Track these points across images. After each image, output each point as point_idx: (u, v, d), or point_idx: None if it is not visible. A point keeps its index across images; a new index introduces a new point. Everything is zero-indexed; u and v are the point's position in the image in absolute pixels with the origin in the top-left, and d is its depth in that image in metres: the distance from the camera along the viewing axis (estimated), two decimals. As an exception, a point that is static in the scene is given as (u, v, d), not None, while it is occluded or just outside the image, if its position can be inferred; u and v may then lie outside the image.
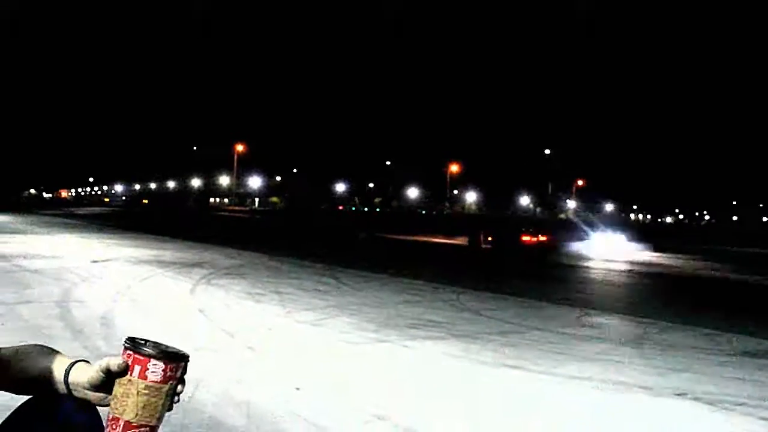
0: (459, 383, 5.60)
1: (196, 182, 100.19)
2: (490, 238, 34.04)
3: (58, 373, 1.40)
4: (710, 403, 5.31)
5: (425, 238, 37.90)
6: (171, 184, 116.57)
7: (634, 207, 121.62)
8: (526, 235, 34.05)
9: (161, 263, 13.23)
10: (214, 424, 3.95)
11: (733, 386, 5.98)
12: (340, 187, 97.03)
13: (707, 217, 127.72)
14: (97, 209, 61.24)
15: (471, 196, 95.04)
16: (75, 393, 1.39)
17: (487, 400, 5.12)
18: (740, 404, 5.30)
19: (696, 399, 5.40)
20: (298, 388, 4.96)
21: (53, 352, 1.45)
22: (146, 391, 1.31)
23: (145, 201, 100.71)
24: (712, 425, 4.83)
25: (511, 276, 17.84)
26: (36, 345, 1.48)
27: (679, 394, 5.54)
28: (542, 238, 33.86)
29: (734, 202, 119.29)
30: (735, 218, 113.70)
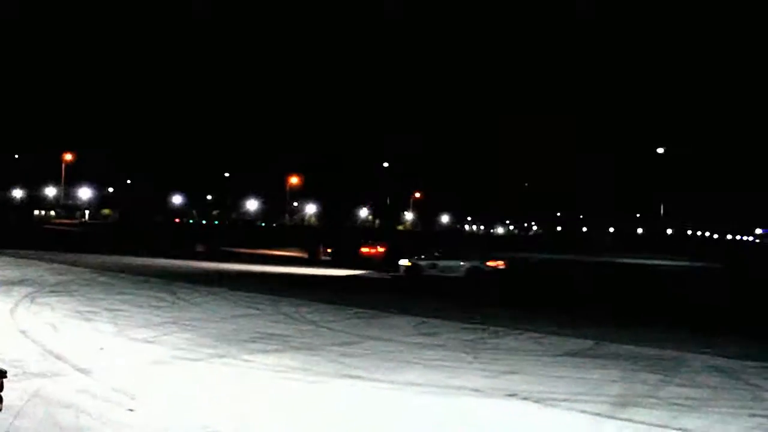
0: (297, 395, 5.59)
1: (18, 193, 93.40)
2: (329, 250, 34.33)
3: None
4: (537, 401, 5.64)
5: (265, 251, 37.54)
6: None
7: (468, 219, 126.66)
8: (366, 247, 34.64)
9: (-24, 282, 12.22)
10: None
11: (557, 384, 6.39)
12: (177, 199, 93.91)
13: (534, 228, 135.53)
14: None
15: (311, 208, 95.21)
16: None
17: (325, 411, 5.15)
18: (564, 400, 5.68)
19: (525, 398, 5.72)
20: (131, 410, 4.77)
21: None
22: None
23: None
24: (539, 420, 5.14)
25: (350, 287, 18.05)
26: None
27: (509, 395, 5.84)
28: (381, 250, 34.55)
29: (558, 214, 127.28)
30: (559, 228, 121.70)
